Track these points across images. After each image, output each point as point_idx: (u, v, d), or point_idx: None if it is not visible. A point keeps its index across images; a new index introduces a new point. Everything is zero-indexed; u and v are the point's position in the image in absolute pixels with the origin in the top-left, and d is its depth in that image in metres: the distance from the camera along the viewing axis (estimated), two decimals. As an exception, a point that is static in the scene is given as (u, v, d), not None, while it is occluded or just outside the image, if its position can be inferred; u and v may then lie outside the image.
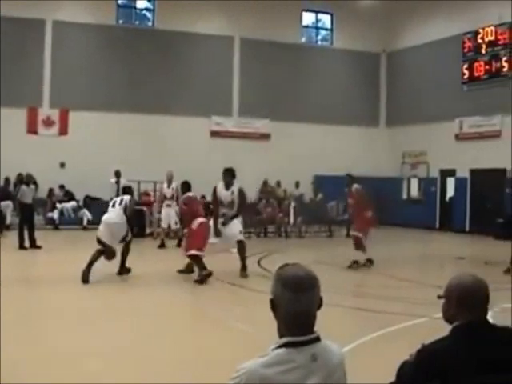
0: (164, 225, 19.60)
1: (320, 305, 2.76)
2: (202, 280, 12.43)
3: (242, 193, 13.78)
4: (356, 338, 8.06)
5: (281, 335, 2.73)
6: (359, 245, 15.05)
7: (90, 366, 6.99)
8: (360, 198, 15.15)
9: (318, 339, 2.72)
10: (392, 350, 7.06)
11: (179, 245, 17.41)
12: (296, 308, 2.68)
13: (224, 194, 13.59)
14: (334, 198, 24.29)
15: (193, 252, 12.77)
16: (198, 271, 12.71)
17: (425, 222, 27.87)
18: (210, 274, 12.58)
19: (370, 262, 15.23)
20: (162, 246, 18.82)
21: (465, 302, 3.19)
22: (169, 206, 19.53)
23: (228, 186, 13.62)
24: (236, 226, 13.71)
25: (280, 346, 2.67)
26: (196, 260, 12.80)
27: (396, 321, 9.30)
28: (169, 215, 19.50)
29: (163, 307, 10.52)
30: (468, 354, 3.07)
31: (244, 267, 13.47)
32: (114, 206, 13.23)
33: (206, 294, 12.00)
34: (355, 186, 15.29)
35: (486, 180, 25.65)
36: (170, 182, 19.70)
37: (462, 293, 3.21)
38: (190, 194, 13.72)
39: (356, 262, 15.03)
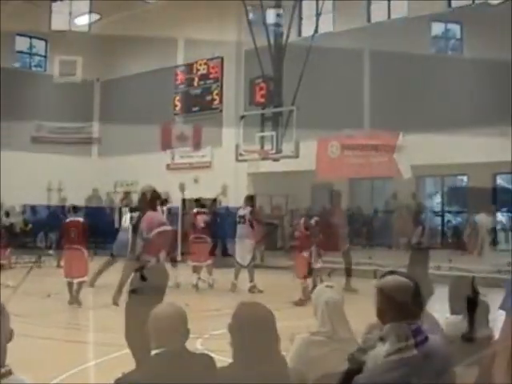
0: None
1: (10, 337, 2.75)
2: None
3: None
4: (68, 369, 8.03)
5: None
6: None
7: None
8: None
9: (10, 373, 2.70)
10: (103, 379, 7.08)
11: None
12: None
13: None
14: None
15: None
16: None
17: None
18: None
19: None
20: None
21: (160, 331, 3.26)
22: None
23: None
24: None
25: None
26: None
27: (107, 352, 9.29)
28: None
29: None
30: (166, 381, 3.16)
31: None
32: None
33: None
34: None
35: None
36: None
37: (156, 322, 3.29)
38: None
39: None
